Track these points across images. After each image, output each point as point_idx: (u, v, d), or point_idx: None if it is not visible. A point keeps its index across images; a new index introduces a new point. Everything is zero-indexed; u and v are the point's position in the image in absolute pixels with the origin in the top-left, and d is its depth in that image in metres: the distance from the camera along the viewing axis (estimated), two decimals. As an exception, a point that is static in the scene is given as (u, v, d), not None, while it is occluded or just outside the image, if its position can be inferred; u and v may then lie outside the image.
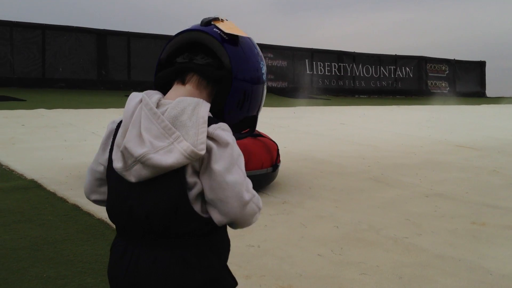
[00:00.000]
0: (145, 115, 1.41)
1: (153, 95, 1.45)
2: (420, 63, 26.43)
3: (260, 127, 6.20)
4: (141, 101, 1.44)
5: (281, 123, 10.70)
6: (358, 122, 12.09)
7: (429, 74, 26.85)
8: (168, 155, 1.36)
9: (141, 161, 1.37)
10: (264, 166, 4.69)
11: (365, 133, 9.81)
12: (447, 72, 27.63)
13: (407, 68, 26.04)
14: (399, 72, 25.82)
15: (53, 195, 4.42)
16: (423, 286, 2.92)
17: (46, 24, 16.71)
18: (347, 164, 6.45)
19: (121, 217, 1.45)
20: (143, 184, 1.40)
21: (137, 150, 1.38)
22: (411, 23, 64.97)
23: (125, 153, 1.39)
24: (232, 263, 3.07)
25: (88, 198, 1.59)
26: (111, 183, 1.47)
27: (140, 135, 1.39)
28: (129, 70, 17.84)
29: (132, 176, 1.40)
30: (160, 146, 1.37)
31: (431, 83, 26.94)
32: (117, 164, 1.41)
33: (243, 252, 3.32)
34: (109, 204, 1.48)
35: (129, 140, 1.39)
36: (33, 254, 3.12)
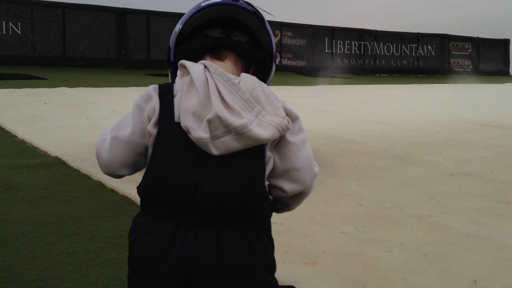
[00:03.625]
0: (224, 85, 1.34)
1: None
2: (442, 41, 25.96)
3: (281, 106, 6.16)
4: (205, 68, 1.36)
5: (302, 101, 10.63)
6: (380, 100, 11.95)
7: (452, 52, 26.38)
8: (262, 128, 1.32)
9: (239, 132, 1.29)
10: (286, 144, 4.66)
11: (387, 112, 9.70)
12: (470, 50, 27.13)
13: (429, 46, 25.61)
14: (421, 51, 25.42)
15: (77, 172, 4.45)
16: (448, 264, 2.89)
17: (66, 3, 16.74)
18: (370, 143, 6.40)
19: (177, 193, 1.32)
20: (219, 158, 1.31)
21: (236, 120, 1.29)
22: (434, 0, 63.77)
23: (216, 122, 1.28)
24: (256, 240, 3.08)
25: (113, 173, 1.44)
26: (164, 155, 1.33)
27: (227, 105, 1.31)
28: (149, 49, 17.83)
29: (216, 148, 1.30)
30: (250, 118, 1.31)
31: (454, 62, 26.50)
32: (202, 133, 1.28)
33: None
34: (158, 178, 1.33)
35: (221, 109, 1.29)
36: (59, 230, 3.16)
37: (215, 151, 1.30)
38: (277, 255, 2.91)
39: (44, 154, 5.07)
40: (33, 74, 13.44)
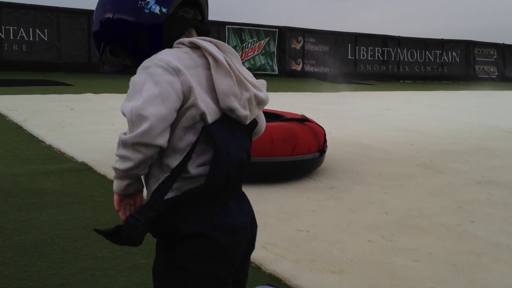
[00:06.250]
0: (237, 62, 1.51)
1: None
2: (467, 47, 25.67)
3: (304, 112, 6.15)
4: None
5: (325, 108, 10.60)
6: (404, 107, 11.86)
7: (477, 58, 26.06)
8: (263, 93, 1.59)
9: (264, 102, 1.57)
10: (311, 151, 4.65)
11: (412, 119, 9.62)
12: (496, 56, 26.76)
13: (454, 53, 25.34)
14: (446, 57, 25.16)
15: (103, 177, 4.50)
16: (478, 274, 2.85)
17: (92, 10, 16.93)
18: (394, 150, 6.34)
19: (232, 174, 1.49)
20: (242, 133, 1.53)
21: (261, 94, 1.55)
22: (459, 5, 63.05)
23: (252, 100, 1.52)
24: (281, 247, 3.07)
25: (154, 142, 1.37)
26: (220, 134, 1.44)
27: (249, 82, 1.52)
28: (173, 55, 18.00)
29: (250, 119, 1.53)
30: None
31: (479, 68, 26.17)
32: (245, 112, 1.49)
33: (292, 236, 3.30)
34: (224, 156, 1.44)
35: (252, 88, 1.52)
36: (86, 235, 3.19)
37: (248, 122, 1.52)
38: (303, 263, 2.91)
39: (71, 160, 5.14)
40: (59, 80, 13.65)
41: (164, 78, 1.38)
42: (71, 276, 2.63)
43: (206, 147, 1.45)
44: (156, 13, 1.47)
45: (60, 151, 5.52)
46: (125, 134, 1.41)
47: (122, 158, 1.41)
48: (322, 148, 4.79)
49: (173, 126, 1.42)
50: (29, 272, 2.65)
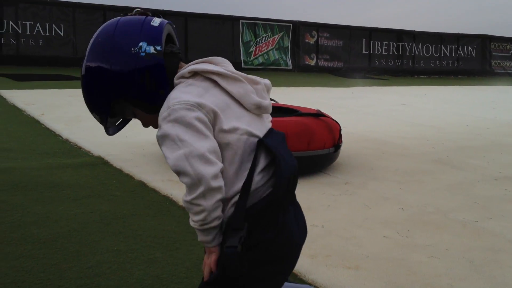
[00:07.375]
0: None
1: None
2: (483, 41, 25.38)
3: (319, 107, 6.12)
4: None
5: (340, 103, 10.56)
6: (420, 102, 11.77)
7: (493, 53, 25.76)
8: None
9: (270, 88, 1.71)
10: (326, 146, 4.63)
11: (427, 114, 9.55)
12: (512, 51, 26.45)
13: (470, 47, 25.08)
14: (461, 52, 24.91)
15: (119, 171, 4.53)
16: (496, 271, 2.82)
17: (107, 5, 17.07)
18: (410, 146, 6.31)
19: (292, 174, 1.59)
20: (281, 139, 1.64)
21: (266, 80, 1.68)
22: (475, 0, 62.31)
23: (266, 89, 1.66)
24: (297, 242, 3.06)
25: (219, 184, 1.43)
26: (273, 144, 1.55)
27: (248, 76, 1.65)
28: (186, 50, 18.00)
29: (268, 110, 1.64)
30: None
31: (495, 63, 25.87)
32: (267, 101, 1.62)
33: (307, 232, 3.29)
34: (284, 163, 1.52)
35: (258, 79, 1.65)
36: (103, 228, 3.22)
37: (270, 110, 1.64)
38: (319, 258, 2.91)
39: (87, 154, 5.18)
40: (75, 75, 13.72)
41: (192, 115, 1.43)
42: (88, 269, 2.65)
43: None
44: (153, 53, 1.54)
45: (76, 145, 5.57)
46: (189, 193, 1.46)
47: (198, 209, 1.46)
48: (337, 143, 4.77)
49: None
50: (47, 264, 2.68)
